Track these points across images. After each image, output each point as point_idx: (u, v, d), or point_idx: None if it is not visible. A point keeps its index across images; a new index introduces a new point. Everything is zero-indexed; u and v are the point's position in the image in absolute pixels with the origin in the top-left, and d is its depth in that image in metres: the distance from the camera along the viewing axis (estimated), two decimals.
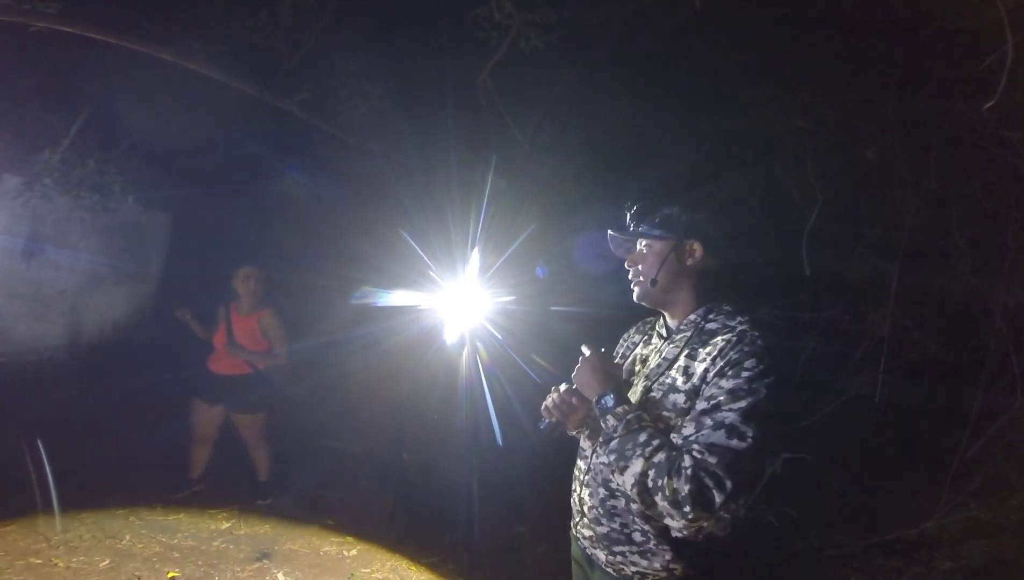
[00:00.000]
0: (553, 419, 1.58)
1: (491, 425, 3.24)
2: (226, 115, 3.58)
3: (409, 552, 3.44)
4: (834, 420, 4.08)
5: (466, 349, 3.00)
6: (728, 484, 1.20)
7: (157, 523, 3.45)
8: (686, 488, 1.21)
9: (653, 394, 1.42)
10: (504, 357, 2.96)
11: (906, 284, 3.87)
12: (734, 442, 1.22)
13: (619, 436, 1.35)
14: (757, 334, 1.34)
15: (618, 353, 1.72)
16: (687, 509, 1.22)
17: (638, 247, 1.54)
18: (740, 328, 1.37)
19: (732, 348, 1.32)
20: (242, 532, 3.47)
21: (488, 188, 3.26)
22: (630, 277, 1.56)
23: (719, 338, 1.36)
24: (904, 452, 4.48)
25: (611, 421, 1.38)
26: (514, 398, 3.23)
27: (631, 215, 1.56)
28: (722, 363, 1.31)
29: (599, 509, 1.46)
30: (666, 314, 1.55)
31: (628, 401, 1.41)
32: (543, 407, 1.61)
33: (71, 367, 5.55)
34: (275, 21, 3.13)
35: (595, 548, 1.49)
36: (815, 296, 3.98)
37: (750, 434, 1.23)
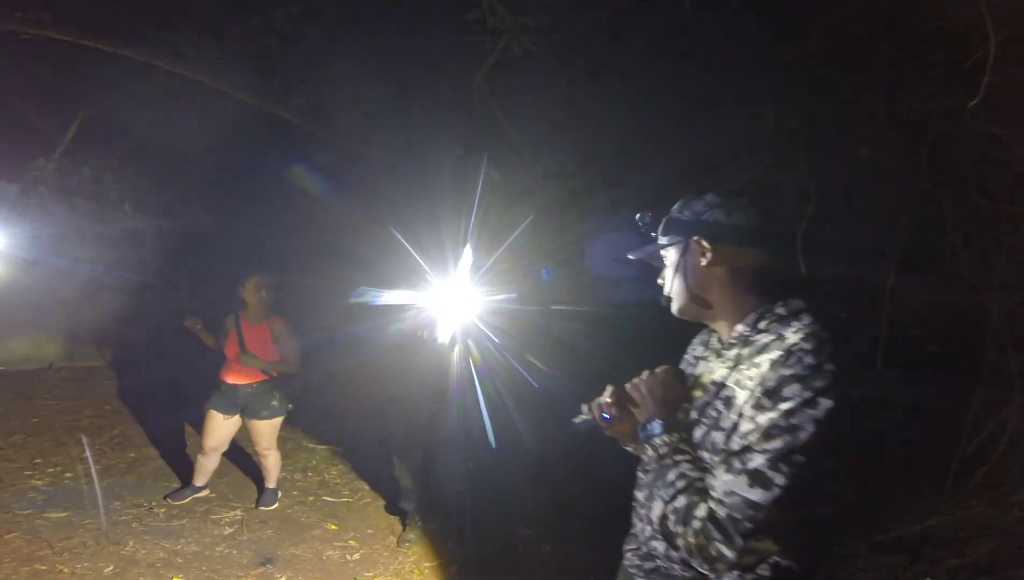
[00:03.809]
0: (589, 418, 1.39)
1: (484, 426, 3.19)
2: (222, 122, 3.60)
3: (412, 556, 3.45)
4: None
5: (458, 348, 2.96)
6: (739, 541, 1.03)
7: (160, 529, 3.46)
8: (692, 541, 1.07)
9: (699, 429, 1.22)
10: (497, 357, 2.92)
11: (902, 282, 3.88)
12: (755, 493, 1.02)
13: (652, 470, 1.21)
14: (810, 347, 1.08)
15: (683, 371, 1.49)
16: (697, 563, 1.08)
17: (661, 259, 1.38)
18: (791, 341, 1.11)
19: (773, 370, 1.08)
20: (245, 537, 3.48)
21: (480, 183, 3.24)
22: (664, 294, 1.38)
23: (765, 357, 1.12)
24: (904, 450, 4.48)
25: (650, 452, 1.22)
26: (508, 399, 3.19)
27: (644, 228, 1.39)
28: (760, 392, 1.08)
29: (645, 547, 1.32)
30: (716, 328, 1.33)
31: (676, 430, 1.22)
32: (589, 404, 1.41)
33: (70, 374, 5.59)
34: (268, 27, 3.15)
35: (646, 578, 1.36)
36: (810, 295, 3.99)
37: (777, 482, 1.02)
